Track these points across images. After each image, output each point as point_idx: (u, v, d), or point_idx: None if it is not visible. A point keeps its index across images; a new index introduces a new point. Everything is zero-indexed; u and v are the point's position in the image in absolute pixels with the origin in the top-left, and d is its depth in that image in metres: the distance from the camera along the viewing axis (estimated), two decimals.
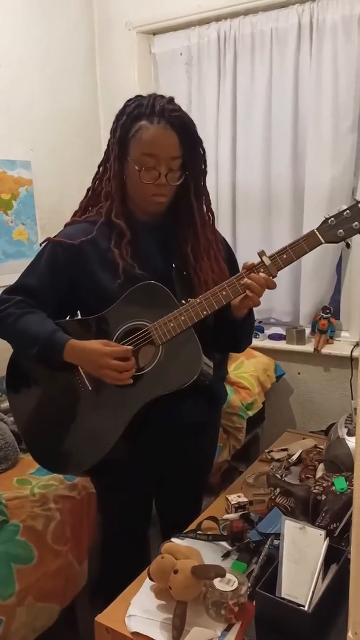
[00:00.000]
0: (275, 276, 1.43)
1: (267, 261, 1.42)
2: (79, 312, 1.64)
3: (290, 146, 2.83)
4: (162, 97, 1.46)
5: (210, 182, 2.79)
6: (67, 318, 1.62)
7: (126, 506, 1.69)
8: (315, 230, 1.41)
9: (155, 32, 3.13)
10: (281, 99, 2.80)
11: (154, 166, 1.43)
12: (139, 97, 1.48)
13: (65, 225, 1.61)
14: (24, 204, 2.80)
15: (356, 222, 1.38)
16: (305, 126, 2.78)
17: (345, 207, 1.40)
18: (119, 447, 1.49)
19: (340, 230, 1.39)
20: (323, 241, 1.40)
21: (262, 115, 2.86)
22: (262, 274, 1.42)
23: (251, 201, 3.00)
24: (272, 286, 1.43)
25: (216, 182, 3.00)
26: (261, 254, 1.43)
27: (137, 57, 3.12)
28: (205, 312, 1.42)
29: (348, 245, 1.45)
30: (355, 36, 2.55)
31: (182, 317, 1.43)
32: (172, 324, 1.43)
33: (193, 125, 1.49)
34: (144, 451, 1.58)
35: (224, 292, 1.43)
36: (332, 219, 1.40)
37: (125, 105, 1.48)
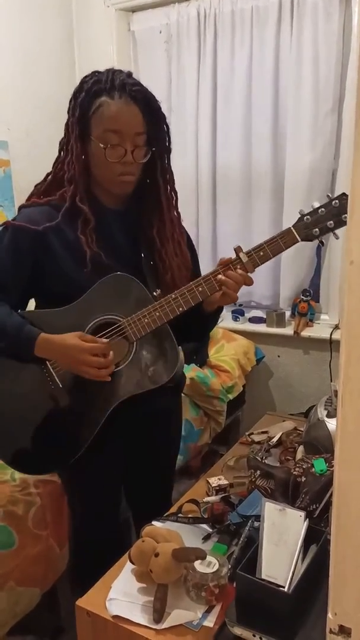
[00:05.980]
0: (252, 272, 1.42)
1: (244, 258, 1.40)
2: (41, 300, 1.53)
3: (270, 128, 2.81)
4: (120, 71, 1.40)
5: (190, 164, 2.81)
6: (35, 307, 1.54)
7: (96, 490, 1.63)
8: (292, 228, 1.40)
9: (134, 10, 3.08)
10: (261, 80, 2.78)
11: (118, 143, 1.37)
12: (96, 72, 1.40)
13: (22, 207, 1.50)
14: (1, 185, 2.74)
15: (330, 221, 1.38)
16: (286, 108, 2.76)
17: (318, 204, 1.39)
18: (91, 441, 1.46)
19: (316, 229, 1.40)
20: (299, 239, 1.40)
21: (242, 97, 2.84)
22: (239, 271, 1.40)
23: (231, 183, 2.97)
24: (249, 283, 1.42)
25: (196, 164, 2.94)
26: (238, 249, 1.41)
27: (115, 35, 3.07)
28: (181, 309, 1.40)
29: (322, 243, 1.45)
30: (336, 16, 2.53)
31: (157, 313, 1.39)
32: (146, 320, 1.39)
33: (156, 100, 1.42)
34: (114, 438, 1.54)
35: (200, 288, 1.40)
36: (308, 216, 1.39)
37: (83, 82, 1.40)
